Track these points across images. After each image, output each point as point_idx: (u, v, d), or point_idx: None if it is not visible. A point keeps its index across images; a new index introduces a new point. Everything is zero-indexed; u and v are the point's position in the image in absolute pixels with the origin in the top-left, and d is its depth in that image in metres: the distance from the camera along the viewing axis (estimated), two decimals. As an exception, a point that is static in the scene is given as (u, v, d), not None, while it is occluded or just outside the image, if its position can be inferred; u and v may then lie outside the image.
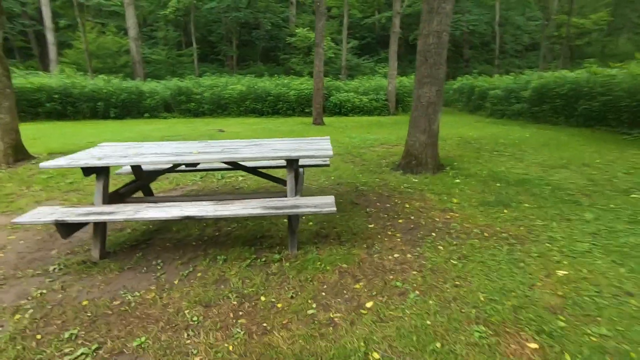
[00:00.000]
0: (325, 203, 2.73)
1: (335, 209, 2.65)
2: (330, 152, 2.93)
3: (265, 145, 3.41)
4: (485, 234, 3.25)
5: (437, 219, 3.61)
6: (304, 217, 3.70)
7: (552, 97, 10.62)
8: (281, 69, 24.39)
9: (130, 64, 21.27)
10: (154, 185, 4.86)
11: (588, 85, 9.63)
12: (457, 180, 4.85)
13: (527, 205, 3.98)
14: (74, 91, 14.30)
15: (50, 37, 22.94)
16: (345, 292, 2.43)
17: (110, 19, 27.11)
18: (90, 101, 14.48)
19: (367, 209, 3.91)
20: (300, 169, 3.99)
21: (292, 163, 3.02)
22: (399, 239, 3.19)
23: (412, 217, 3.68)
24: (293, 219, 2.85)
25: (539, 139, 7.92)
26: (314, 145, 3.32)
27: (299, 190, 3.29)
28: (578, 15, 17.89)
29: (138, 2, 27.50)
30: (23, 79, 14.11)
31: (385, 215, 3.74)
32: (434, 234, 3.28)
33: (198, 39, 27.46)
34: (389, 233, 3.31)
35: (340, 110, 14.98)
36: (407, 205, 4.00)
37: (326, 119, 13.19)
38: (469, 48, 27.16)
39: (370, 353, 1.86)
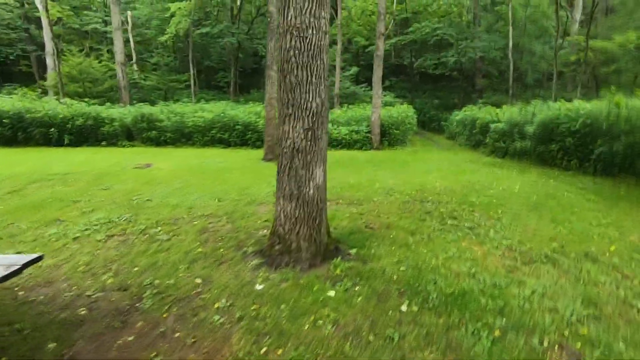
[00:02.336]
0: None
1: None
2: None
3: None
4: None
5: None
6: None
7: (562, 134, 8.23)
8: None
9: (116, 89, 20.51)
10: None
11: (609, 121, 7.25)
12: (331, 293, 2.64)
13: (419, 395, 1.74)
14: (27, 116, 13.19)
15: (49, 61, 22.78)
16: None
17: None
18: (42, 127, 13.32)
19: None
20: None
21: None
22: None
23: None
24: None
25: (532, 194, 5.55)
26: None
27: None
28: (601, 37, 15.42)
29: (140, 28, 27.40)
30: (-25, 103, 13.16)
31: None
32: None
33: (204, 66, 26.91)
34: None
35: (315, 142, 13.02)
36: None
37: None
38: (481, 77, 24.99)
39: None
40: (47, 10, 15.69)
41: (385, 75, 31.94)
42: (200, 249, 3.42)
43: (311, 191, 3.00)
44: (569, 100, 9.98)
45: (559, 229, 4.07)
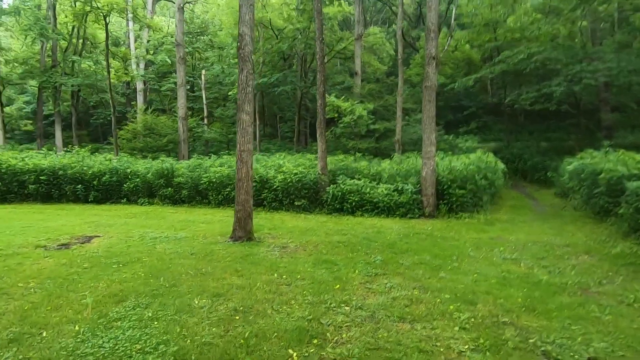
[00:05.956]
0: None
1: None
2: None
3: None
4: None
5: None
6: None
7: None
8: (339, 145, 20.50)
9: (176, 142, 20.71)
10: None
11: None
12: None
13: None
14: (60, 173, 13.13)
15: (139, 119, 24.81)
16: None
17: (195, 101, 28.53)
18: (71, 183, 13.04)
19: None
20: None
21: None
22: None
23: None
24: None
25: None
26: None
27: None
28: None
29: (215, 85, 28.59)
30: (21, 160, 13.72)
31: None
32: None
33: (272, 116, 26.99)
34: None
35: (342, 205, 9.63)
36: None
37: (299, 222, 8.14)
38: (609, 110, 18.53)
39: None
40: (108, 72, 16.44)
41: (477, 115, 27.14)
42: None
43: None
44: None
45: None
